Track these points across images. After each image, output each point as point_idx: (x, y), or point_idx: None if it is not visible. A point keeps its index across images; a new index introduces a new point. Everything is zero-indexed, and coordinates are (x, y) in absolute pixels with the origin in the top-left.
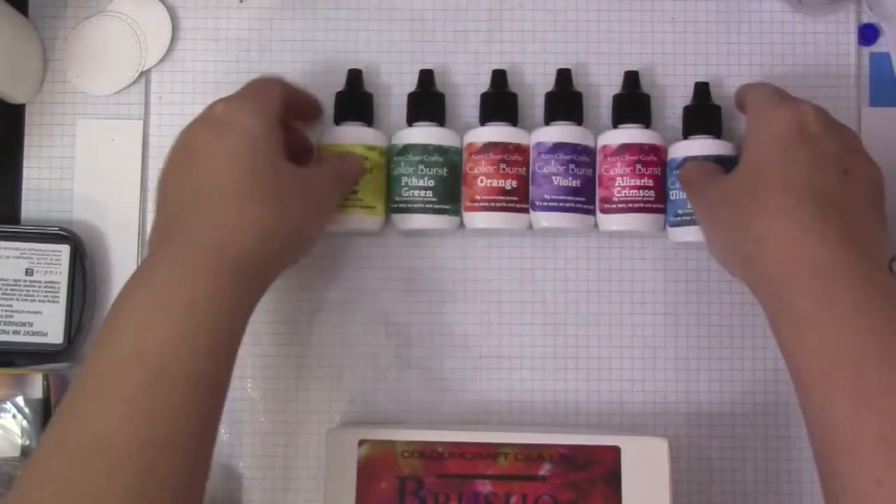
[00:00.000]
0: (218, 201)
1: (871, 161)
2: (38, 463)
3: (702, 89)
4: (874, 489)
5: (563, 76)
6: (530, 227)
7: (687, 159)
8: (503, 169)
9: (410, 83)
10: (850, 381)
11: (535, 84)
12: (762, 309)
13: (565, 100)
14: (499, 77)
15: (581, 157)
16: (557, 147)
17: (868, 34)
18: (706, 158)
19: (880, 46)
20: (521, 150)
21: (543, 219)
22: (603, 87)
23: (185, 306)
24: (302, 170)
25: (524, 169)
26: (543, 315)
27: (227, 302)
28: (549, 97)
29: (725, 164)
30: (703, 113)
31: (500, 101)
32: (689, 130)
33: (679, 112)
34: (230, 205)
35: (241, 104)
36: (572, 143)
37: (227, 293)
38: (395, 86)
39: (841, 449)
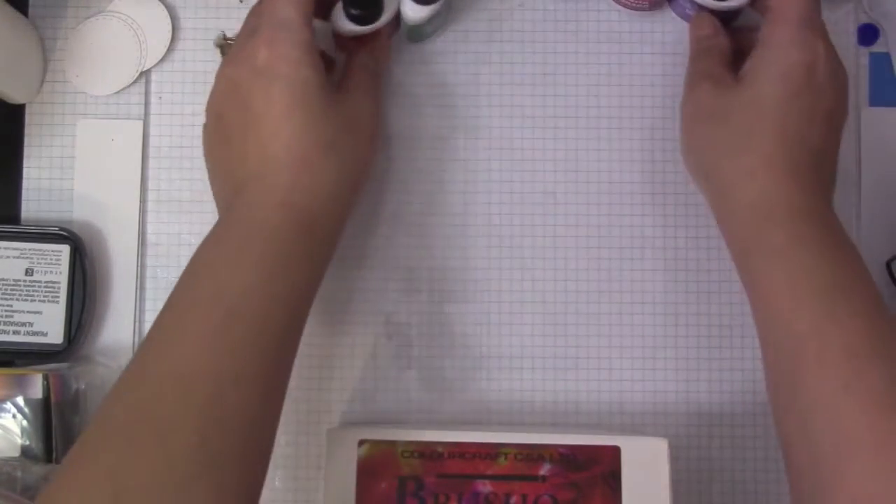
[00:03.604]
0: (282, 167)
1: (847, 99)
2: (116, 392)
3: None
4: (841, 394)
5: None
6: None
7: None
8: None
9: None
10: (819, 303)
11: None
12: (725, 236)
13: None
14: None
15: None
16: None
17: (868, 34)
18: None
19: (880, 46)
20: None
21: None
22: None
23: (258, 262)
24: (346, 102)
25: None
26: (543, 315)
27: (300, 257)
28: None
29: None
30: None
31: None
32: None
33: None
34: (293, 170)
35: (281, 51)
36: None
37: (298, 250)
38: None
39: (809, 358)
